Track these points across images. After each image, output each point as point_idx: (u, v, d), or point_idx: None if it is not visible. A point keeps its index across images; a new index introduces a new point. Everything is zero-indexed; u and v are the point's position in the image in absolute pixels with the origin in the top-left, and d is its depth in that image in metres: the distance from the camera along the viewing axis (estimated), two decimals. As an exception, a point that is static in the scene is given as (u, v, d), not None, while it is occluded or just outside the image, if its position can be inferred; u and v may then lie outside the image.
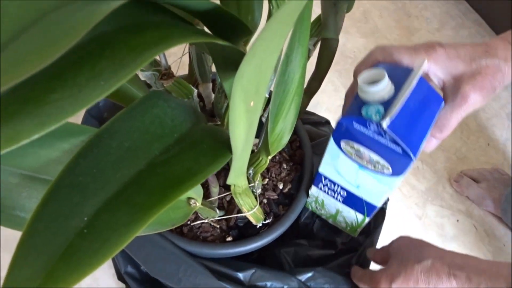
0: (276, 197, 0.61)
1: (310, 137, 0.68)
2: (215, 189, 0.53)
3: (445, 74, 0.40)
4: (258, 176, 0.49)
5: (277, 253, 0.59)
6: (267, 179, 0.61)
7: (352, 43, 1.10)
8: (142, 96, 0.28)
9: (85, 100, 0.18)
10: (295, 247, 0.60)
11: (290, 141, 0.66)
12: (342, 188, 0.49)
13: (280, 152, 0.64)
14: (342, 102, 0.96)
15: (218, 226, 0.57)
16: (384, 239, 0.84)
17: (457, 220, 0.90)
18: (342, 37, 1.10)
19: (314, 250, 0.59)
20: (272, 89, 0.38)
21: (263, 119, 0.56)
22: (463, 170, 0.94)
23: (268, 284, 0.52)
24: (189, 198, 0.37)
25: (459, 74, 0.39)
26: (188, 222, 0.56)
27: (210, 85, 0.61)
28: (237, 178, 0.39)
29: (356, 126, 0.38)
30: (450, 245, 0.87)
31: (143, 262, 0.53)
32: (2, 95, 0.18)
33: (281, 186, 0.61)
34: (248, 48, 0.36)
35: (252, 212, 0.48)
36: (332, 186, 0.50)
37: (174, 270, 0.52)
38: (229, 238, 0.57)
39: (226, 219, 0.58)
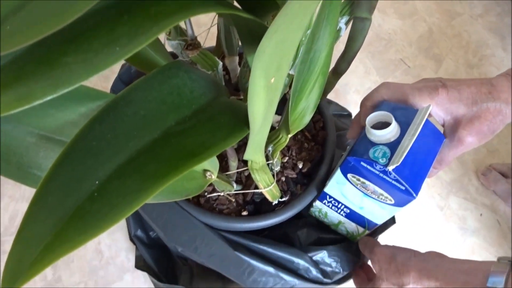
0: (294, 176, 0.60)
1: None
2: (233, 163, 0.54)
3: (446, 114, 0.43)
4: (277, 154, 0.49)
5: (290, 233, 0.59)
6: (287, 157, 0.61)
7: (388, 24, 1.06)
8: (162, 65, 0.28)
9: (98, 66, 0.18)
10: (308, 228, 0.60)
11: (314, 121, 0.65)
12: (345, 206, 0.52)
13: (302, 131, 0.63)
14: (372, 84, 0.94)
15: (234, 200, 0.58)
16: (403, 226, 0.83)
17: (481, 214, 0.88)
18: (377, 17, 1.07)
19: (325, 233, 0.59)
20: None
21: (288, 96, 0.56)
22: (492, 164, 0.91)
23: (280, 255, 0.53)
24: (205, 170, 0.37)
25: (459, 116, 0.42)
26: (205, 194, 0.57)
27: (237, 58, 0.60)
28: (255, 154, 0.39)
29: (364, 164, 0.41)
30: (471, 239, 0.85)
31: (162, 229, 0.54)
32: (18, 54, 0.18)
33: (300, 165, 0.61)
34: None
35: (268, 189, 0.48)
36: (336, 203, 0.53)
37: (191, 238, 0.53)
38: (244, 213, 0.57)
39: (243, 194, 0.58)
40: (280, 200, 0.58)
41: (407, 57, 1.02)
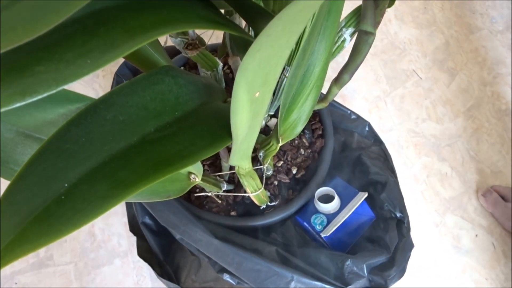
0: (287, 181, 0.60)
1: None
2: (226, 164, 0.54)
3: None
4: (269, 160, 0.49)
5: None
6: (282, 162, 0.61)
7: (404, 33, 1.05)
8: (149, 71, 0.28)
9: (68, 77, 0.18)
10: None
11: (313, 129, 0.64)
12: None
13: (300, 137, 0.63)
14: (380, 93, 0.94)
15: (224, 200, 0.58)
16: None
17: (476, 235, 0.87)
18: (395, 25, 1.05)
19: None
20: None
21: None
22: (494, 186, 0.90)
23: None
24: (190, 173, 0.37)
25: None
26: (197, 190, 0.57)
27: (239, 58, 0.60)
28: (241, 161, 0.39)
29: (306, 224, 0.58)
30: (463, 258, 0.84)
31: (151, 209, 0.55)
32: (-10, 60, 0.18)
33: (294, 171, 0.61)
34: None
35: (255, 194, 0.48)
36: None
37: (177, 222, 0.53)
38: (233, 213, 0.57)
39: (234, 195, 0.58)
40: (270, 204, 0.58)
41: (420, 68, 1.01)
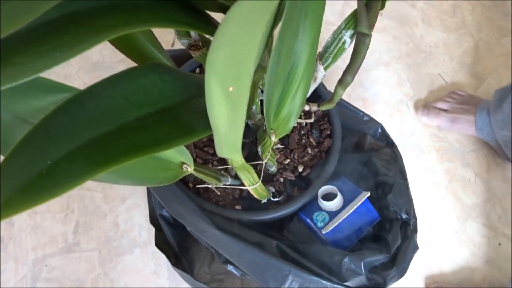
0: (293, 178, 0.62)
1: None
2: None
3: None
4: (268, 155, 0.51)
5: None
6: (288, 160, 0.63)
7: (431, 36, 1.03)
8: (135, 66, 0.31)
9: (40, 67, 0.22)
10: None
11: (321, 129, 0.66)
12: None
13: (307, 137, 0.65)
14: (403, 97, 0.95)
15: (231, 194, 0.61)
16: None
17: (499, 244, 0.84)
18: (421, 28, 1.04)
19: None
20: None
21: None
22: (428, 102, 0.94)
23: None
24: (183, 163, 0.41)
25: None
26: (210, 186, 0.60)
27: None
28: (231, 153, 0.41)
29: (308, 221, 0.60)
30: (484, 267, 0.82)
31: (161, 199, 0.58)
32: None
33: (300, 169, 0.63)
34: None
35: (253, 187, 0.50)
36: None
37: (184, 213, 0.57)
38: (237, 207, 0.60)
39: (240, 189, 0.61)
40: (273, 199, 0.60)
41: (446, 72, 0.99)
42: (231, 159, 0.43)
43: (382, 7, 0.44)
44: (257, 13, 0.25)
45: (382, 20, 1.04)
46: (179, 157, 0.40)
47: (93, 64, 0.96)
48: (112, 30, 0.23)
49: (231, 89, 0.31)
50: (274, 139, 0.45)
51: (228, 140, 0.38)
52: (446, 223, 0.86)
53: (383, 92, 0.97)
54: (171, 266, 0.73)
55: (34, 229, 0.81)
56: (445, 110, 0.91)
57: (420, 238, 0.83)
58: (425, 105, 0.93)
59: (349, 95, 0.96)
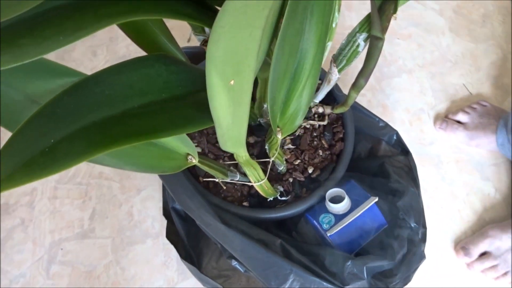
0: (302, 179, 0.62)
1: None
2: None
3: None
4: (275, 153, 0.52)
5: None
6: (299, 160, 0.63)
7: (457, 46, 1.01)
8: (142, 56, 0.33)
9: (44, 49, 0.23)
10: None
11: (334, 132, 0.66)
12: None
13: (319, 139, 0.65)
14: (424, 105, 0.94)
15: (239, 190, 0.62)
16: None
17: (516, 262, 0.81)
18: (448, 37, 1.02)
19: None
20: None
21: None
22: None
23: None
24: (188, 154, 0.42)
25: None
26: (217, 180, 0.61)
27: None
28: (235, 148, 0.42)
29: (314, 222, 0.60)
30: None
31: (171, 190, 0.59)
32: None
33: (310, 170, 0.63)
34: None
35: (258, 184, 0.51)
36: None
37: (192, 205, 0.58)
38: (245, 203, 0.61)
39: (249, 186, 0.62)
40: (280, 198, 0.60)
41: (471, 83, 0.97)
42: (236, 154, 0.44)
43: (395, 10, 0.44)
44: (252, 7, 0.25)
45: (408, 27, 1.03)
46: (184, 148, 0.41)
47: (119, 58, 1.00)
48: (114, 18, 0.24)
49: (232, 82, 0.32)
50: (280, 136, 0.46)
51: (232, 134, 0.39)
52: (461, 236, 0.84)
53: (404, 100, 0.95)
54: (180, 258, 0.74)
55: (53, 213, 0.85)
56: (464, 124, 0.89)
57: (432, 249, 0.82)
58: (444, 119, 0.91)
59: (369, 101, 0.95)
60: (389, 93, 0.96)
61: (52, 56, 0.34)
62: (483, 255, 0.80)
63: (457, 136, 0.89)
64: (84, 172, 0.89)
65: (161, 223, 0.84)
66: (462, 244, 0.81)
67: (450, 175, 0.89)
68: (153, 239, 0.83)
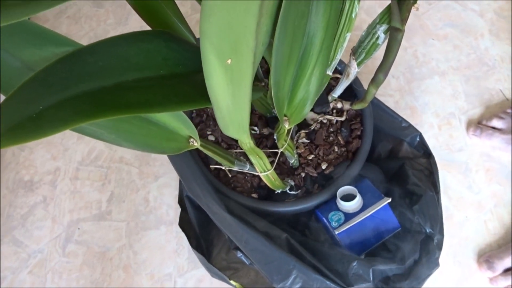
0: (315, 174, 0.61)
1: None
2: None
3: None
4: (285, 144, 0.50)
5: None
6: (312, 155, 0.62)
7: (496, 50, 0.96)
8: (141, 30, 0.32)
9: (29, 11, 0.23)
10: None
11: (352, 128, 0.64)
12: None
13: (336, 135, 0.63)
14: (456, 110, 0.90)
15: (249, 182, 0.61)
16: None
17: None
18: (487, 40, 0.97)
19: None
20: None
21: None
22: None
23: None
24: (190, 137, 0.41)
25: None
26: (223, 167, 0.60)
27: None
28: (238, 133, 0.41)
29: (324, 219, 0.59)
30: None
31: (181, 176, 0.59)
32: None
33: (323, 166, 0.61)
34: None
35: (264, 174, 0.50)
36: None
37: (200, 193, 0.58)
38: (254, 195, 0.60)
39: (259, 178, 0.61)
40: (290, 192, 0.59)
41: (508, 88, 0.92)
42: (240, 140, 0.43)
43: (415, 1, 0.42)
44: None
45: (444, 28, 0.98)
46: (185, 130, 0.40)
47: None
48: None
49: (229, 61, 0.31)
50: (287, 126, 0.44)
51: (233, 118, 0.38)
52: (486, 248, 0.79)
53: (434, 103, 0.91)
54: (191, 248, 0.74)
55: (73, 193, 0.87)
56: (500, 130, 0.84)
57: (452, 259, 0.77)
58: (477, 125, 0.86)
59: (397, 102, 0.92)
60: (418, 95, 0.92)
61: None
62: (508, 270, 0.75)
63: (493, 142, 0.84)
64: (106, 155, 0.90)
65: (176, 211, 0.84)
66: (486, 257, 0.77)
67: (478, 184, 0.84)
68: (167, 226, 0.84)
